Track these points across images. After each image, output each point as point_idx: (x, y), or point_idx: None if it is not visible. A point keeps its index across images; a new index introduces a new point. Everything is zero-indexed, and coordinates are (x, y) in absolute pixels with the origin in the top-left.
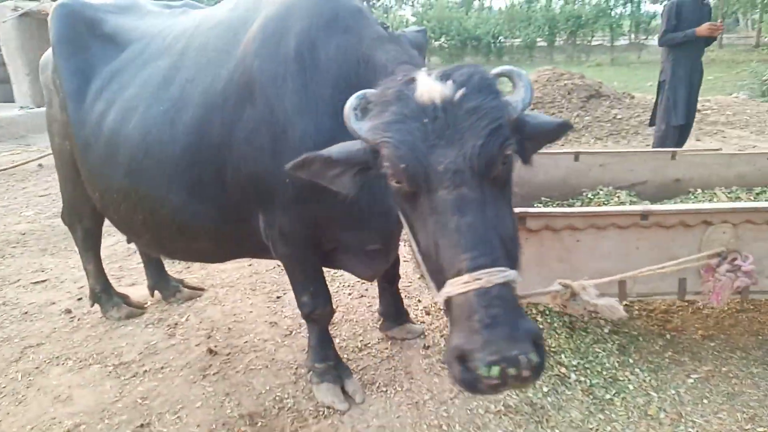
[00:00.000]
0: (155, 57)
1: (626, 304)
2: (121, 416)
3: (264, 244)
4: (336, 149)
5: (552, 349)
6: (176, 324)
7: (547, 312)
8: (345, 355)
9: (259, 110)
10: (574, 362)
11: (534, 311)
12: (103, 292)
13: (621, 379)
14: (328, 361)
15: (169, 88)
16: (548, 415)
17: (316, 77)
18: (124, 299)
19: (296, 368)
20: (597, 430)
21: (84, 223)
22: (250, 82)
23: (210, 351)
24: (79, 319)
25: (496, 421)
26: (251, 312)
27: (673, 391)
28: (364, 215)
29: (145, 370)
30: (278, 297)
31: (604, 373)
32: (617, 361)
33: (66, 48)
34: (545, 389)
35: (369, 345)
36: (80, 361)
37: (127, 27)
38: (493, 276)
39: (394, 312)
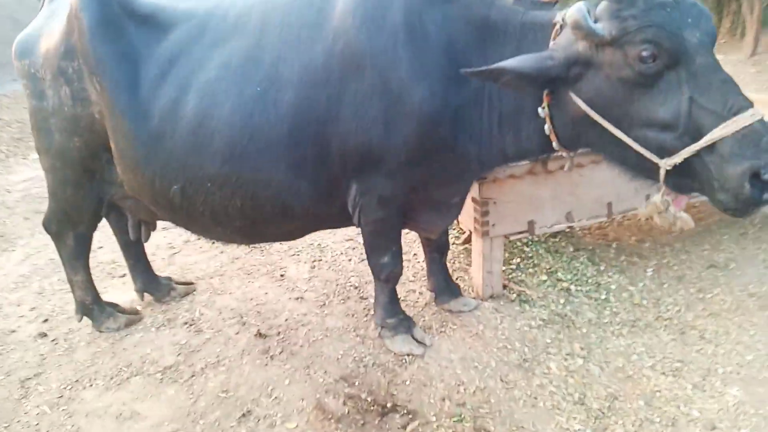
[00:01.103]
0: (225, 38)
1: (569, 227)
2: (213, 413)
3: (344, 215)
4: (525, 63)
5: (550, 270)
6: (194, 320)
7: (530, 243)
8: None
9: (369, 82)
10: (568, 276)
11: (519, 244)
12: (94, 304)
13: (603, 282)
14: (398, 315)
15: (260, 69)
16: (572, 320)
17: (427, 45)
18: (116, 308)
19: (354, 330)
20: (610, 322)
21: (79, 229)
22: (356, 56)
23: (259, 334)
24: (64, 340)
25: (542, 333)
26: (267, 293)
27: (641, 284)
28: (466, 167)
29: (202, 368)
30: (282, 275)
31: (590, 280)
32: (594, 271)
33: (105, 31)
34: (561, 301)
35: (403, 299)
36: (111, 378)
37: (163, 7)
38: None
39: (446, 285)
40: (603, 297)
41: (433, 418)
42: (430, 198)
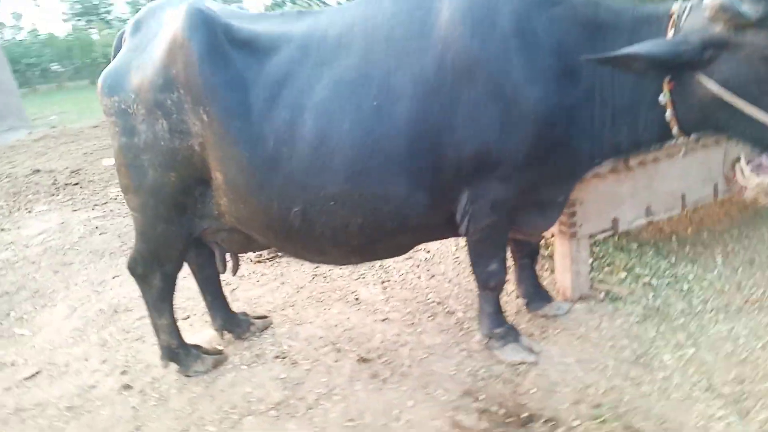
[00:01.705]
0: (331, 57)
1: (649, 222)
2: None
3: (450, 224)
4: (659, 48)
5: (627, 267)
6: (284, 353)
7: (598, 243)
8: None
9: (483, 88)
10: (645, 271)
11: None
12: (180, 348)
13: (679, 274)
14: (504, 325)
15: (372, 84)
16: (666, 313)
17: (537, 48)
18: (200, 350)
19: (456, 345)
20: (703, 310)
21: (166, 268)
22: (468, 63)
23: (362, 359)
24: (152, 389)
25: (643, 328)
26: (348, 318)
27: (716, 271)
28: (577, 164)
29: (315, 399)
30: (356, 299)
31: (666, 273)
32: (667, 264)
33: (213, 59)
34: (650, 295)
35: None
36: (221, 422)
37: (259, 32)
38: None
39: (537, 290)
40: (686, 287)
41: (577, 422)
42: (537, 198)
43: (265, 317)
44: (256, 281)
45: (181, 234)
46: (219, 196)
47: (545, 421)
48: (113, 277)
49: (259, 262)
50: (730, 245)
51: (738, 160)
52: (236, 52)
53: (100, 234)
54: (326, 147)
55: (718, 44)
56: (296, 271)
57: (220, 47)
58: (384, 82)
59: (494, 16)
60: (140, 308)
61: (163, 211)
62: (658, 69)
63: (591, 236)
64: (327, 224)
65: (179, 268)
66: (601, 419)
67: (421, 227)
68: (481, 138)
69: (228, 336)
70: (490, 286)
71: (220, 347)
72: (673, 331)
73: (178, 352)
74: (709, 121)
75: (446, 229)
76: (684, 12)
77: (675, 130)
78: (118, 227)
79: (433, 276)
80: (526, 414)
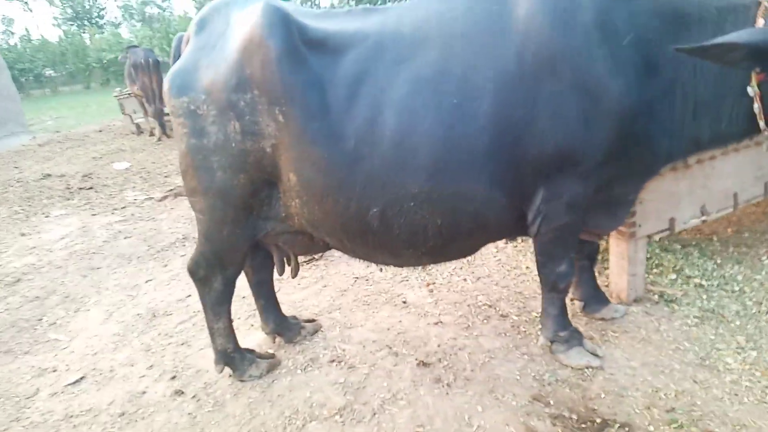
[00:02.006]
0: (407, 54)
1: (703, 221)
2: None
3: (520, 224)
4: (755, 36)
5: (676, 268)
6: (339, 357)
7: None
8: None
9: (566, 83)
10: (695, 272)
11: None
12: (235, 352)
13: (727, 275)
14: (569, 328)
15: (452, 81)
16: (722, 314)
17: (619, 42)
18: (254, 354)
19: (516, 349)
20: (758, 312)
21: (229, 271)
22: (550, 58)
23: (421, 363)
24: (206, 395)
25: (702, 330)
26: (401, 322)
27: (764, 271)
28: (653, 160)
29: (380, 404)
30: (404, 302)
31: (714, 274)
32: (713, 264)
33: (291, 59)
34: (703, 297)
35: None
36: (284, 428)
37: (333, 31)
38: None
39: (595, 293)
40: (737, 288)
41: (651, 428)
42: (609, 196)
43: (314, 320)
44: (297, 284)
45: (246, 236)
46: (290, 197)
47: (620, 427)
48: (146, 282)
49: None
50: None
51: None
52: (311, 51)
53: (124, 238)
54: (408, 145)
55: None
56: (336, 273)
57: (297, 47)
58: (463, 79)
59: (575, 11)
60: (180, 312)
61: (230, 214)
62: (754, 59)
63: (649, 237)
64: (405, 225)
65: (240, 271)
66: (677, 424)
67: (494, 227)
68: (565, 133)
69: (278, 340)
70: (559, 288)
71: (271, 351)
72: (731, 333)
73: (234, 356)
74: None
75: (515, 229)
76: None
77: (762, 123)
78: (142, 231)
79: (479, 278)
80: (599, 420)
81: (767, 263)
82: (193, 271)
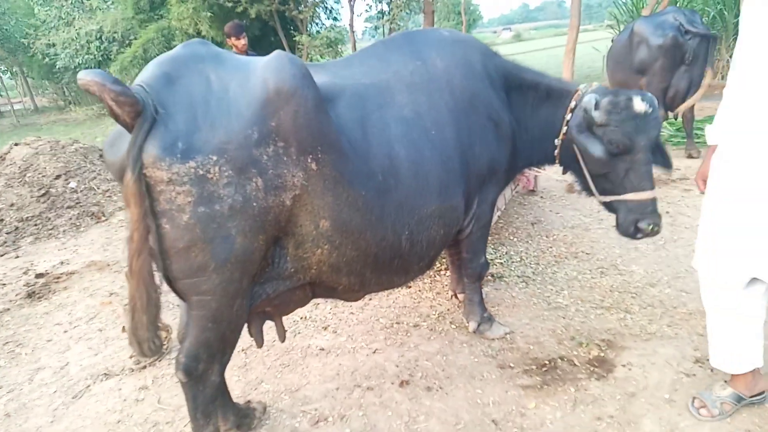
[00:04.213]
0: (383, 101)
1: None
2: None
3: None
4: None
5: None
6: (322, 418)
7: None
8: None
9: (483, 114)
10: (497, 257)
11: None
12: None
13: (511, 253)
14: (486, 309)
15: (425, 117)
16: (526, 275)
17: (496, 86)
18: None
19: (456, 343)
20: (534, 264)
21: (226, 357)
22: (470, 97)
23: (403, 383)
24: None
25: (530, 287)
26: (340, 364)
27: (519, 247)
28: (516, 171)
29: (407, 430)
30: (321, 349)
31: (504, 254)
32: (504, 249)
33: (324, 105)
34: (512, 268)
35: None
36: None
37: (320, 82)
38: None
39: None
40: (518, 259)
41: (574, 353)
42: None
43: (249, 401)
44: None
45: (248, 308)
46: (314, 246)
47: (551, 361)
48: None
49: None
50: None
51: None
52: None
53: None
54: (421, 171)
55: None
56: None
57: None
58: (431, 116)
59: (471, 62)
60: None
61: (245, 284)
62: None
63: None
64: (425, 241)
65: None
66: (583, 344)
67: (454, 232)
68: (489, 152)
69: None
70: (482, 277)
71: None
72: (543, 282)
73: None
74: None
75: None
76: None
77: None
78: None
79: (361, 308)
80: (545, 362)
81: (516, 240)
82: (191, 369)
